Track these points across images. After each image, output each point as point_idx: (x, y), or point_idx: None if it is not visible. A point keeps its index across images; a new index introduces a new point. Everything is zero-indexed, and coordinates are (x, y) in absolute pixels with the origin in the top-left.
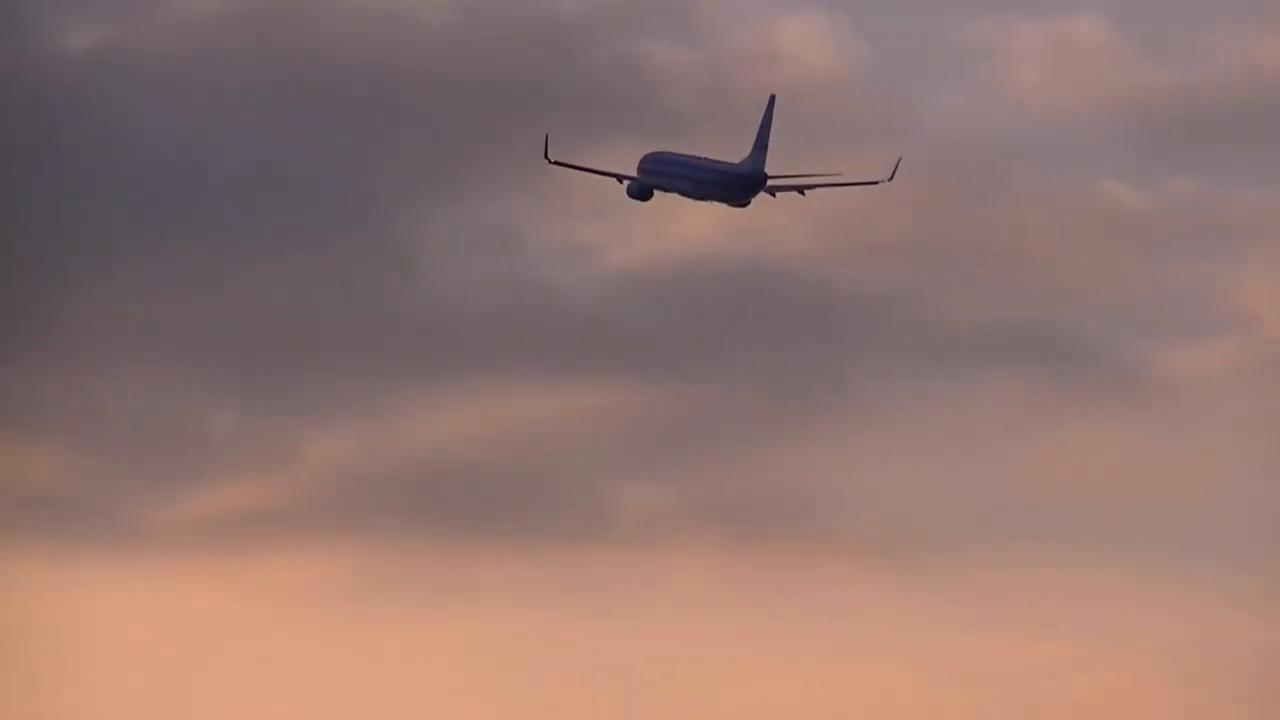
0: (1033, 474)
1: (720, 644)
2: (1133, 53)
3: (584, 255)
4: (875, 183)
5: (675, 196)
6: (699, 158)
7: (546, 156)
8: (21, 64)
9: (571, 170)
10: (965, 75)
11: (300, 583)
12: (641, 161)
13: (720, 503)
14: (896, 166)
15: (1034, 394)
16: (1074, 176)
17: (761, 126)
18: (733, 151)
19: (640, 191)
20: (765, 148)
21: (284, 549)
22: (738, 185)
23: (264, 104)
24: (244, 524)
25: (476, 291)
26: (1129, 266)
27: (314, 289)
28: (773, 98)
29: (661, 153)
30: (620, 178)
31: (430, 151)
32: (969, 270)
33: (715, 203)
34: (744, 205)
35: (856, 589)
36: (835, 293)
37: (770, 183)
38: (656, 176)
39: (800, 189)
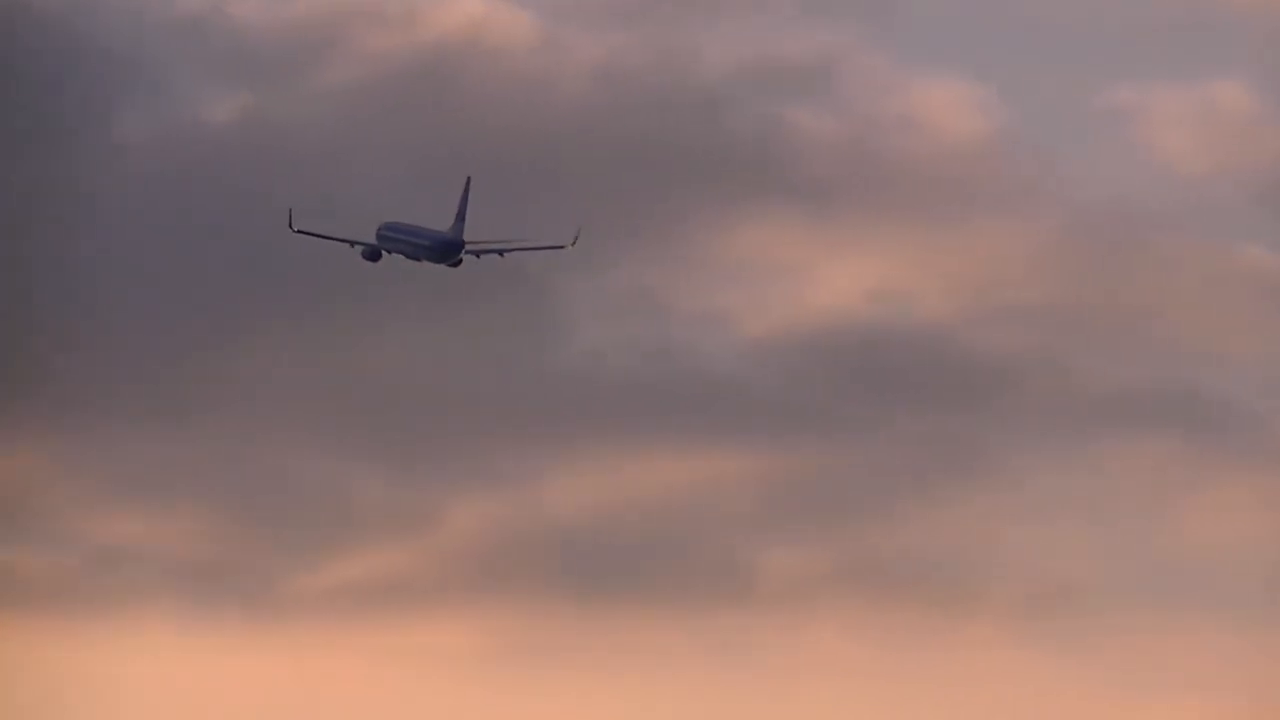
0: (1174, 538)
1: (860, 708)
2: (1276, 116)
3: (725, 321)
4: (561, 247)
5: (399, 258)
6: (417, 226)
7: (291, 226)
8: (166, 135)
9: (319, 239)
10: (1107, 139)
11: (441, 648)
12: (378, 229)
13: (861, 567)
14: (577, 235)
15: (1176, 457)
16: (1216, 240)
17: (461, 202)
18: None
19: (369, 255)
20: (464, 218)
21: (425, 615)
22: (441, 250)
23: (406, 172)
24: (386, 590)
25: (618, 357)
26: (1271, 330)
27: (458, 355)
28: (469, 179)
29: (392, 222)
30: (353, 244)
31: (573, 217)
32: (1111, 334)
33: (428, 263)
34: (455, 265)
35: (998, 653)
36: (975, 357)
37: (469, 247)
38: (385, 242)
39: (499, 251)
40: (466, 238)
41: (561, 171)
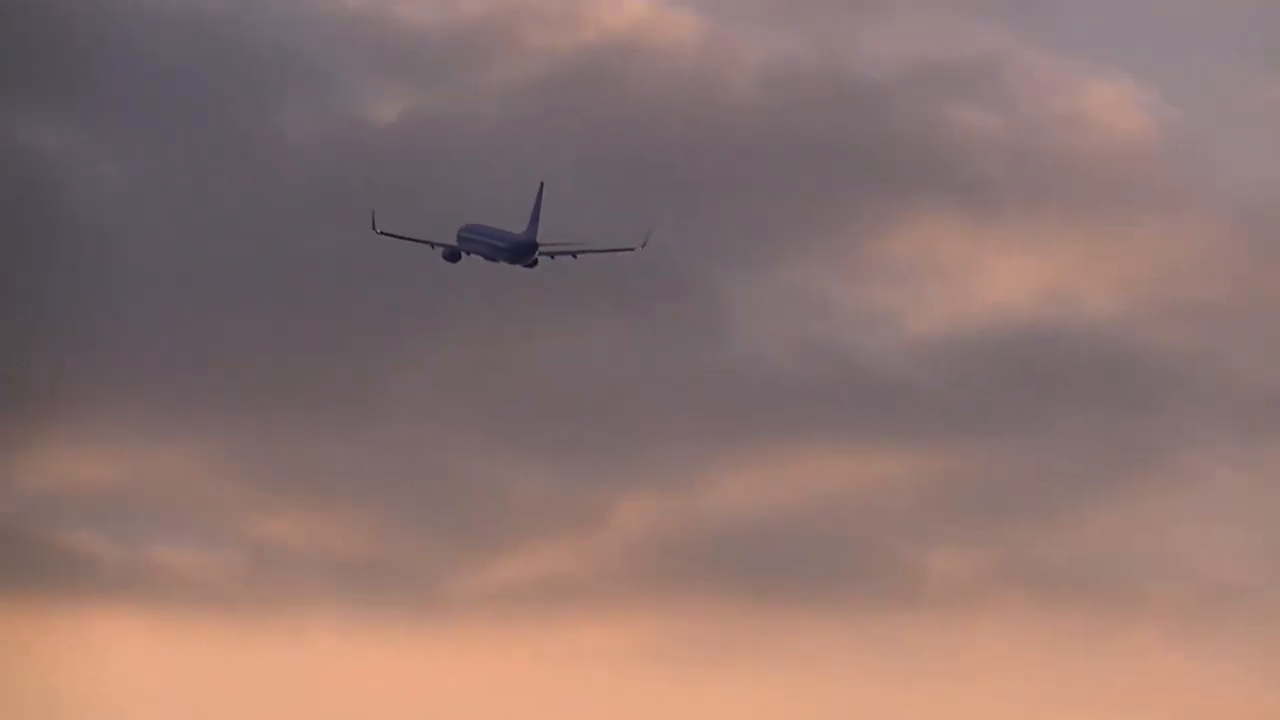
0: None
1: (1024, 709)
2: None
3: (889, 320)
4: (631, 249)
5: (478, 258)
6: (494, 228)
7: (374, 228)
8: (330, 132)
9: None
10: (1273, 136)
11: (605, 648)
12: (458, 231)
13: (1026, 568)
14: (648, 237)
15: None
16: None
17: (535, 206)
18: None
19: (449, 255)
20: (538, 220)
21: (589, 615)
22: (516, 251)
23: (573, 170)
24: (549, 590)
25: (783, 357)
26: None
27: (623, 354)
28: (542, 184)
29: (472, 225)
30: (434, 244)
31: (738, 216)
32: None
33: (505, 263)
34: (530, 266)
35: (1163, 655)
36: (1141, 356)
37: (543, 248)
38: (464, 244)
39: (572, 253)
40: (539, 239)
41: (725, 170)
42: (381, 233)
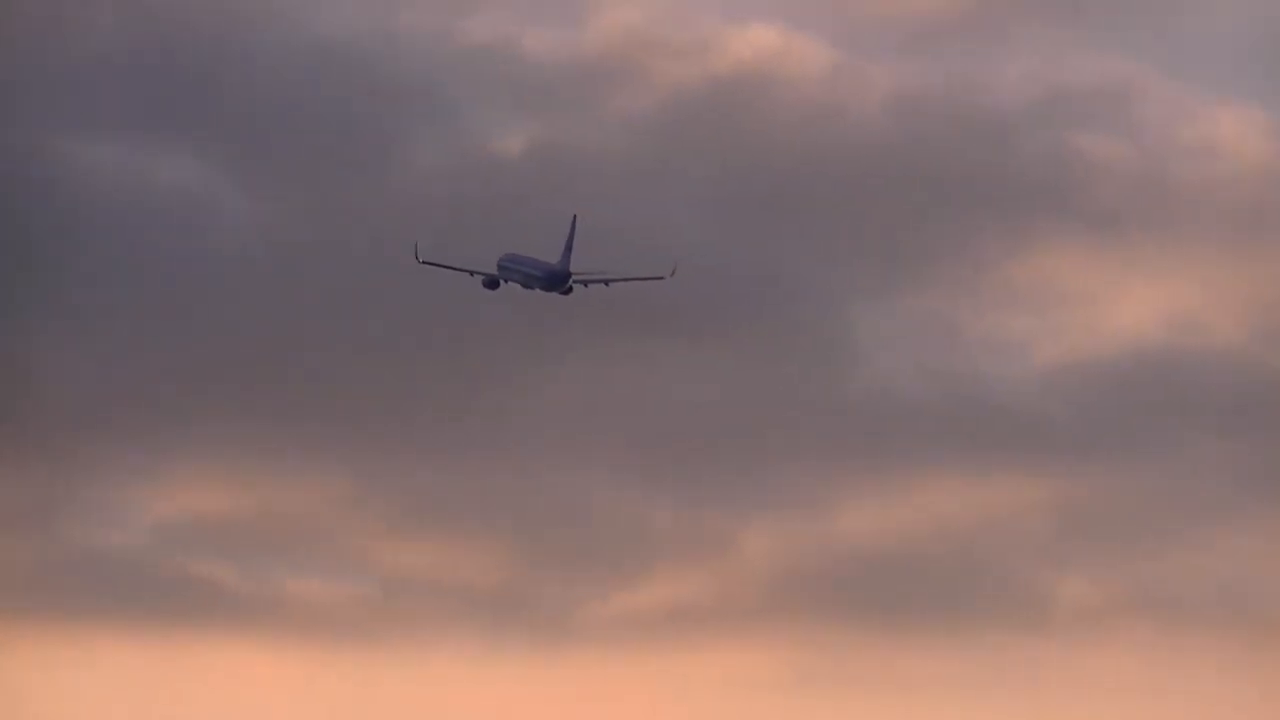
0: None
1: None
2: None
3: (1017, 347)
4: (660, 278)
5: (515, 286)
6: (531, 258)
7: (417, 258)
8: (457, 164)
9: (442, 269)
10: None
11: (733, 675)
12: (498, 260)
13: (1156, 594)
14: (675, 268)
15: None
16: None
17: (568, 237)
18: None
19: (489, 283)
20: (570, 250)
21: (717, 641)
22: (550, 279)
23: (699, 200)
24: (678, 617)
25: (911, 384)
26: None
27: (756, 381)
28: (575, 217)
29: (510, 254)
30: (473, 273)
31: (867, 244)
32: None
33: (540, 290)
34: (565, 293)
35: None
36: (1271, 382)
37: (575, 278)
38: (503, 272)
39: (605, 281)
40: (572, 268)
41: (853, 199)
42: (424, 262)
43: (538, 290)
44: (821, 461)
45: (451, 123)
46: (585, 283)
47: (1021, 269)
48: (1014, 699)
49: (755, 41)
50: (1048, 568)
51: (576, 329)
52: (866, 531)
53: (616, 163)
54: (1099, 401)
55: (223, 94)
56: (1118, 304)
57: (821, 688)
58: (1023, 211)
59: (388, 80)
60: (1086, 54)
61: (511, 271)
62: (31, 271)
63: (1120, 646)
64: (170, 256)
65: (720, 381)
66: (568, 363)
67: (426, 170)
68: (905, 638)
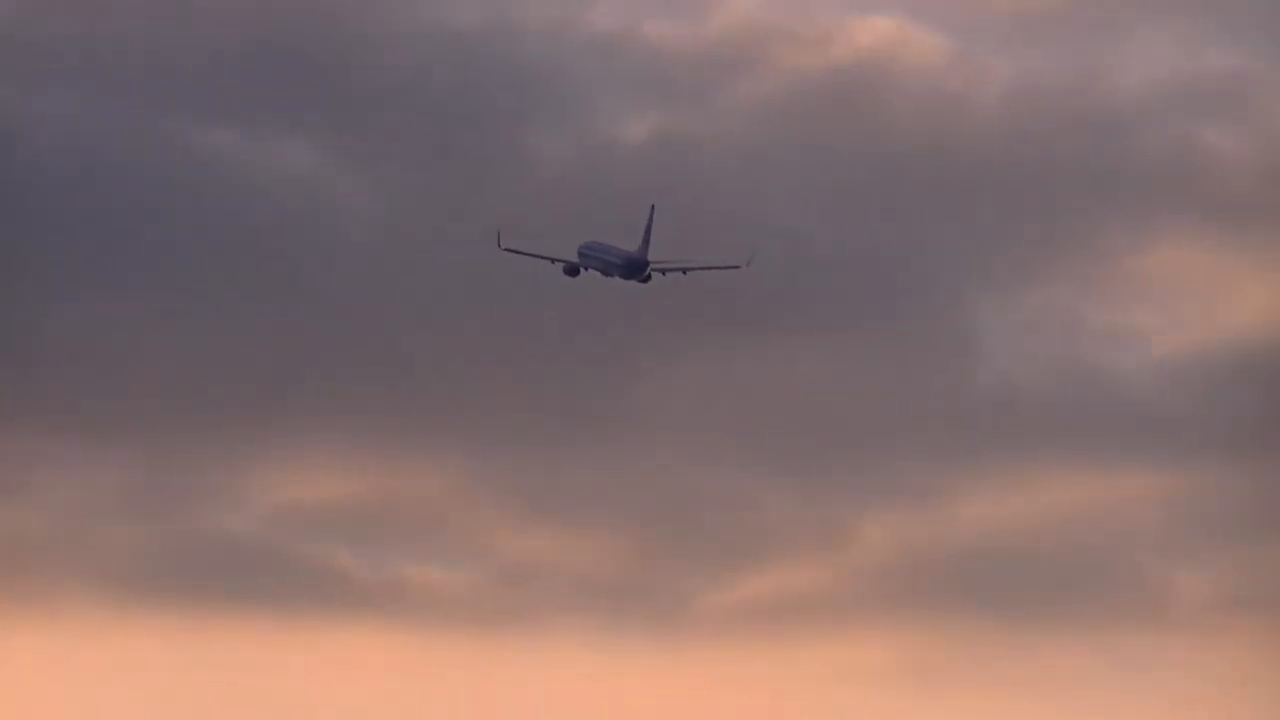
0: None
1: None
2: None
3: (1138, 339)
4: (736, 266)
5: (595, 274)
6: (611, 246)
7: (498, 244)
8: (581, 153)
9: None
10: None
11: (852, 665)
12: (579, 248)
13: (1277, 590)
14: (751, 256)
15: None
16: None
17: (647, 226)
18: None
19: (569, 270)
20: (649, 241)
21: (835, 632)
22: (629, 267)
23: (818, 190)
24: (796, 607)
25: (1032, 376)
26: None
27: (875, 372)
28: (653, 207)
29: (591, 242)
30: (554, 260)
31: (988, 236)
32: None
33: (620, 278)
34: (644, 281)
35: None
36: None
37: (653, 266)
38: (583, 260)
39: (682, 269)
40: (650, 257)
41: (974, 190)
42: (505, 249)
43: (616, 278)
44: (941, 454)
45: (573, 111)
46: (663, 271)
47: (1143, 261)
48: (1131, 694)
49: (875, 31)
50: (1167, 562)
51: (698, 320)
52: (985, 524)
53: (735, 151)
54: (1221, 394)
55: (348, 82)
56: (1240, 296)
57: (938, 681)
58: (1144, 203)
59: (510, 69)
60: (1209, 45)
61: (591, 259)
62: (155, 256)
63: (1240, 642)
64: (294, 243)
65: (840, 373)
66: (689, 353)
67: (548, 159)
68: (1022, 632)
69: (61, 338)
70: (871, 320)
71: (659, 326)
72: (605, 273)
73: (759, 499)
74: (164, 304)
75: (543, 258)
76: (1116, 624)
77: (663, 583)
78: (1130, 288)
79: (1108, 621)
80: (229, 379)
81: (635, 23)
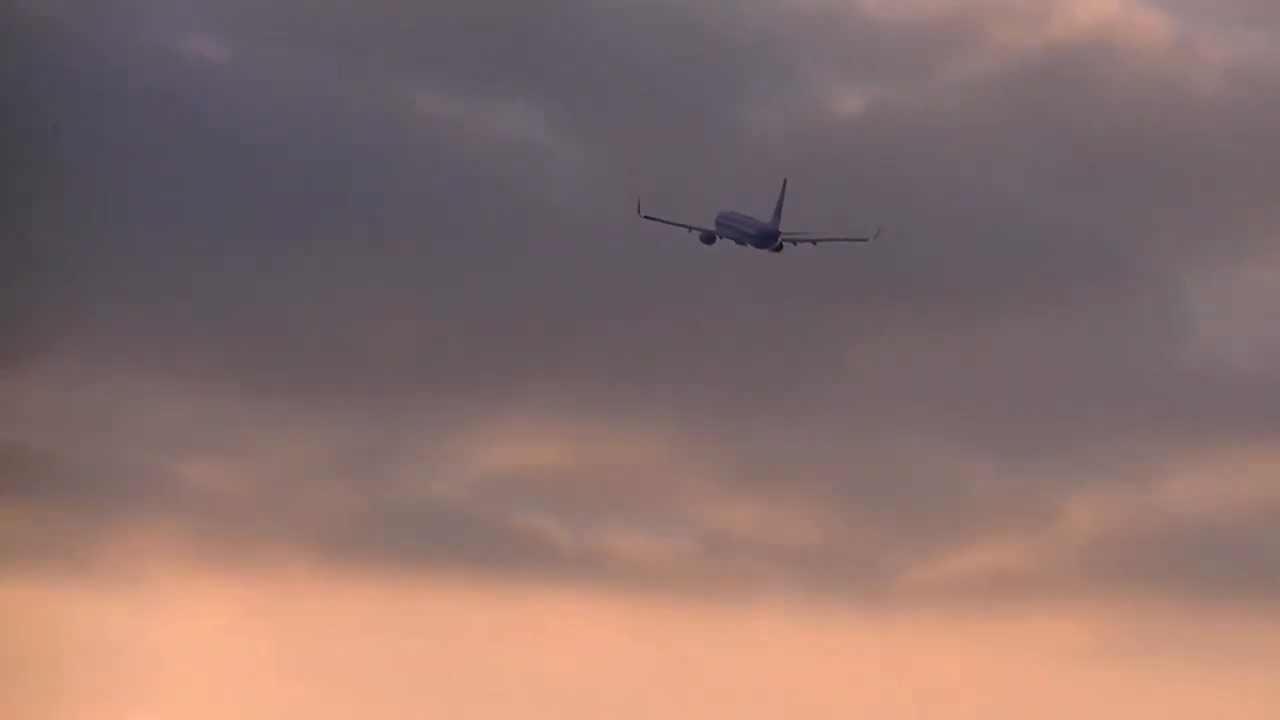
0: None
1: None
2: None
3: None
4: (865, 239)
5: (730, 242)
6: (747, 216)
7: (639, 212)
8: (794, 126)
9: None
10: None
11: (1052, 643)
12: (716, 217)
13: None
14: (879, 229)
15: None
16: None
17: (779, 199)
18: None
19: (705, 238)
20: (780, 212)
21: (1038, 609)
22: (762, 237)
23: (1034, 168)
24: (998, 583)
25: (1243, 356)
26: None
27: (1083, 351)
28: (785, 180)
29: (727, 212)
30: (691, 229)
31: (1202, 214)
32: None
33: (753, 247)
34: (776, 250)
35: None
36: None
37: (784, 236)
38: (719, 229)
39: (812, 240)
40: (783, 229)
41: (1190, 169)
42: (646, 216)
43: (749, 247)
44: (1150, 433)
45: (787, 84)
46: (794, 241)
47: None
48: None
49: (1096, 10)
50: None
51: (908, 295)
52: (1192, 505)
53: (950, 128)
54: None
55: (561, 50)
56: None
57: (1140, 658)
58: None
59: (724, 40)
60: None
61: (727, 228)
62: (365, 224)
63: None
64: (503, 211)
65: (1051, 349)
66: (895, 328)
67: (760, 131)
68: (1226, 613)
69: (273, 301)
70: (1082, 298)
71: (867, 298)
72: (739, 241)
73: (965, 475)
74: (371, 268)
75: (681, 225)
76: None
77: (866, 556)
78: None
79: None
80: (437, 344)
81: None
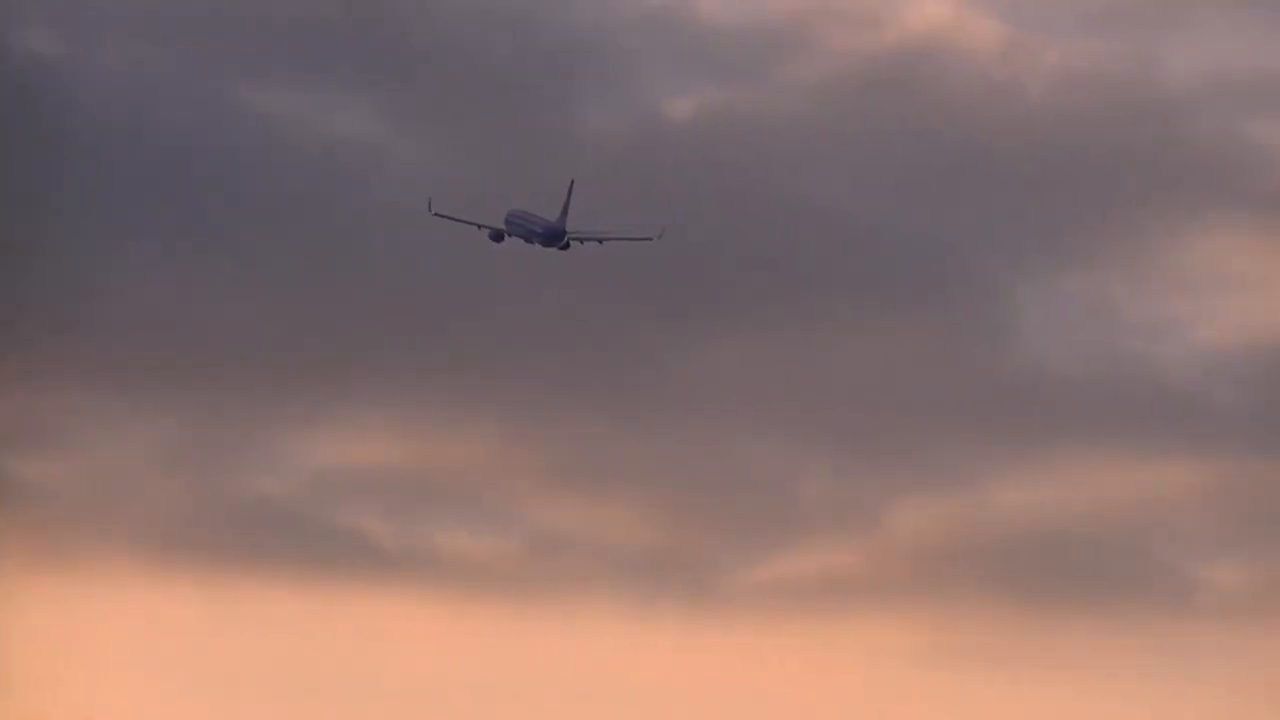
0: None
1: None
2: None
3: (1178, 330)
4: (649, 239)
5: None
6: (533, 215)
7: (429, 209)
8: (628, 128)
9: (453, 221)
10: None
11: (878, 647)
12: (506, 215)
13: None
14: (662, 230)
15: None
16: None
17: (566, 199)
18: None
19: (494, 236)
20: (567, 212)
21: (863, 613)
22: (548, 236)
23: (864, 172)
24: (825, 587)
25: (1070, 362)
26: None
27: (909, 355)
28: (572, 182)
29: (516, 210)
30: (480, 226)
31: (1031, 221)
32: None
33: (541, 246)
34: (563, 248)
35: None
36: None
37: (570, 235)
38: (508, 227)
39: (598, 239)
40: (569, 228)
41: (1019, 175)
42: (436, 214)
43: (537, 245)
44: (976, 438)
45: (622, 84)
46: (581, 239)
47: (1186, 251)
48: (1158, 683)
49: (928, 14)
50: (1199, 551)
51: (737, 296)
52: (1017, 510)
53: (784, 130)
54: (1260, 386)
55: (395, 47)
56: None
57: (965, 663)
58: (1190, 193)
59: (557, 40)
60: (1261, 36)
61: (516, 226)
62: (199, 219)
63: (1271, 634)
64: (333, 208)
65: (879, 354)
66: (727, 329)
67: (595, 131)
68: (1051, 617)
69: (104, 295)
70: (908, 303)
71: (697, 299)
72: (527, 240)
73: (794, 477)
74: (205, 264)
75: (471, 223)
76: (1145, 613)
77: (693, 557)
78: (1173, 277)
79: (1136, 610)
80: (267, 341)
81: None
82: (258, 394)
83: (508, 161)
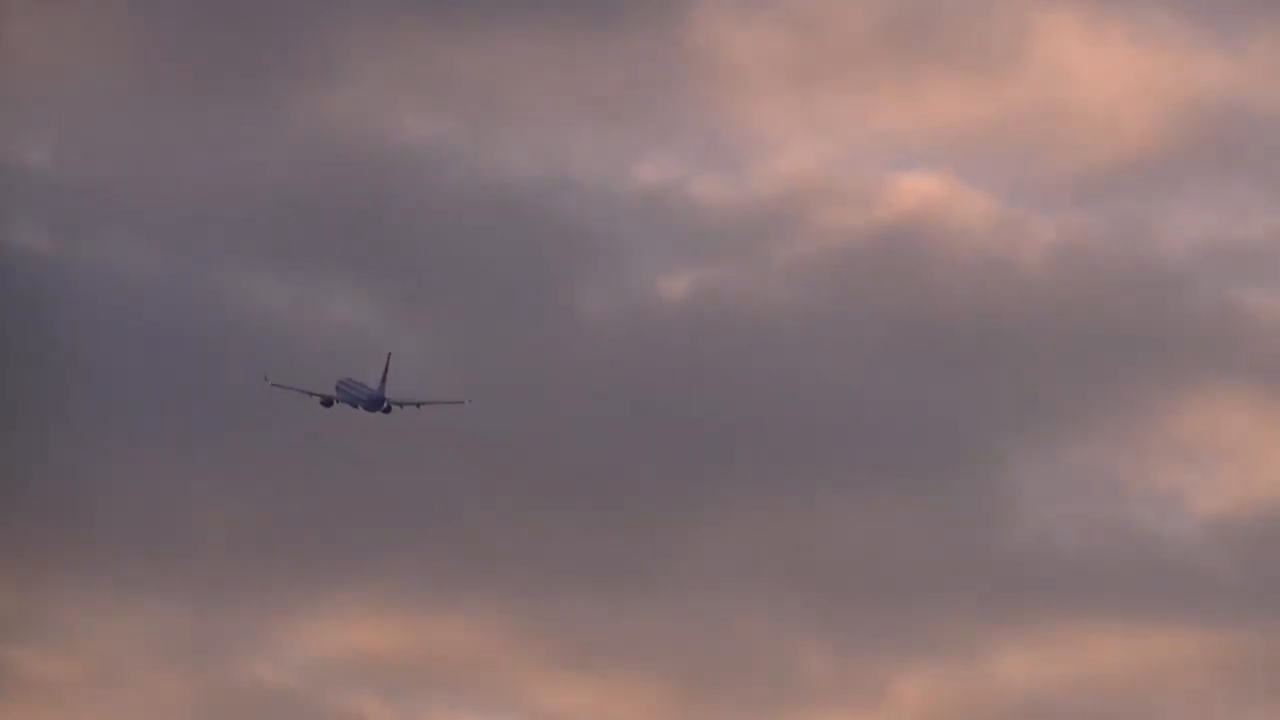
0: None
1: None
2: None
3: (1179, 500)
4: (461, 402)
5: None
6: (359, 384)
7: (266, 379)
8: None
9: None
10: None
11: None
12: (336, 383)
13: None
14: (469, 397)
15: None
16: None
17: (384, 370)
18: None
19: (325, 402)
20: (386, 381)
21: None
22: (370, 403)
23: (861, 348)
24: None
25: (1071, 535)
26: None
27: (911, 527)
28: (389, 354)
29: (345, 379)
30: (311, 394)
31: (1028, 394)
32: None
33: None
34: (386, 412)
35: None
36: None
37: (389, 401)
38: (338, 393)
39: (416, 404)
40: (388, 395)
41: (1015, 349)
42: (274, 385)
43: (361, 410)
44: (979, 611)
45: (618, 267)
46: (401, 405)
47: (1184, 421)
48: None
49: (920, 190)
50: None
51: (739, 474)
52: (1022, 682)
53: (779, 308)
54: (1261, 556)
55: (393, 235)
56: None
57: None
58: (1187, 363)
59: (554, 223)
60: (1254, 207)
61: (344, 393)
62: (191, 405)
63: None
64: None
65: (879, 529)
66: (730, 508)
67: (591, 312)
68: None
69: (101, 486)
70: (913, 478)
71: (700, 481)
72: (353, 405)
73: (797, 654)
74: (198, 454)
75: (303, 391)
76: None
77: None
78: (1172, 448)
79: None
80: (264, 528)
81: (680, 181)
82: (255, 582)
83: (507, 347)
